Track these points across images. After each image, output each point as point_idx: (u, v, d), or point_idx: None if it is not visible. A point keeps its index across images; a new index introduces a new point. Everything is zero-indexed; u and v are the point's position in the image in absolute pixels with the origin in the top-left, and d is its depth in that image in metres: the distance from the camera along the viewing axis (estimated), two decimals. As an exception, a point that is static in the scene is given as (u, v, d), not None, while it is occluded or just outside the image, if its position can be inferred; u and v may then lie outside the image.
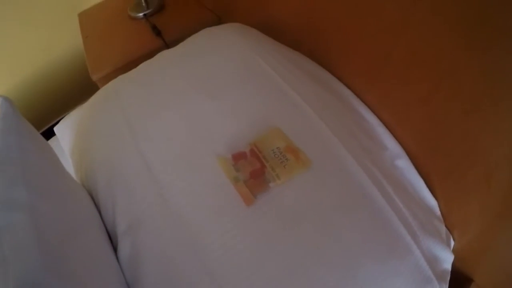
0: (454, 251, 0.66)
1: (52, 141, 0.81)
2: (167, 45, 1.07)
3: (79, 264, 0.47)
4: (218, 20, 1.19)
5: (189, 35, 0.92)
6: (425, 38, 0.57)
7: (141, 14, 1.20)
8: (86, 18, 1.24)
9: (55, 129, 0.88)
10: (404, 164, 0.68)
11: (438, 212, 0.68)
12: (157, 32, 1.12)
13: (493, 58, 0.49)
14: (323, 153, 0.63)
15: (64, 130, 0.85)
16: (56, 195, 0.54)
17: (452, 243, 0.67)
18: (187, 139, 0.65)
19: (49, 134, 1.02)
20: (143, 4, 1.21)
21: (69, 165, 0.77)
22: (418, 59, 0.59)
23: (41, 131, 1.15)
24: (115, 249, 0.61)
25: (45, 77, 1.23)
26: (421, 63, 0.59)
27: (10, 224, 0.43)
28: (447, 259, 0.62)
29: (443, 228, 0.66)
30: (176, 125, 0.67)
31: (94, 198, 0.68)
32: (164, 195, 0.59)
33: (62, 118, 0.88)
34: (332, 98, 0.74)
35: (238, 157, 0.60)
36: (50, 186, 0.54)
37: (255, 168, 0.58)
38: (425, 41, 0.57)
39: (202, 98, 0.70)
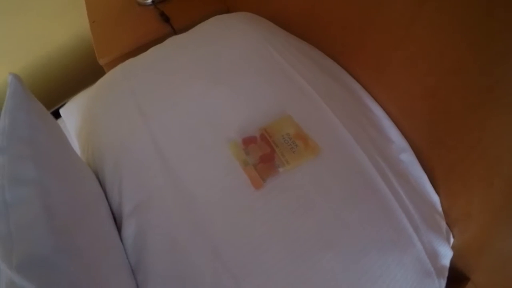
0: (452, 248, 0.67)
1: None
2: (175, 32, 1.07)
3: (85, 241, 0.47)
4: (227, 10, 1.19)
5: (197, 23, 0.92)
6: (432, 33, 0.57)
7: (149, 1, 1.20)
8: (93, 3, 1.24)
9: (61, 111, 0.88)
10: (409, 158, 0.69)
11: (440, 208, 0.69)
12: (165, 18, 1.11)
13: (497, 53, 0.49)
14: (332, 141, 0.64)
15: (70, 112, 0.85)
16: (64, 173, 0.54)
17: (452, 240, 0.68)
18: (198, 123, 0.65)
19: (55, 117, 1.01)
20: (152, -10, 1.21)
21: (75, 147, 0.77)
22: (424, 53, 0.60)
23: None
24: (119, 230, 0.61)
25: (50, 62, 1.22)
26: (427, 57, 0.60)
27: (18, 200, 0.43)
28: (446, 255, 0.63)
29: (443, 224, 0.67)
30: (187, 108, 0.68)
31: (100, 180, 0.68)
32: (174, 177, 0.60)
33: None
34: (341, 89, 0.75)
35: (248, 141, 0.60)
36: (58, 164, 0.54)
37: (265, 152, 0.59)
38: (431, 36, 0.57)
39: (213, 83, 0.71)
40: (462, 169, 0.62)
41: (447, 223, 0.68)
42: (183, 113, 0.67)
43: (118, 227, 0.61)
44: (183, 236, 0.55)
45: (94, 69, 1.09)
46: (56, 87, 1.21)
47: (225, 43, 0.81)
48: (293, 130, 0.62)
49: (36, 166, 0.48)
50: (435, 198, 0.68)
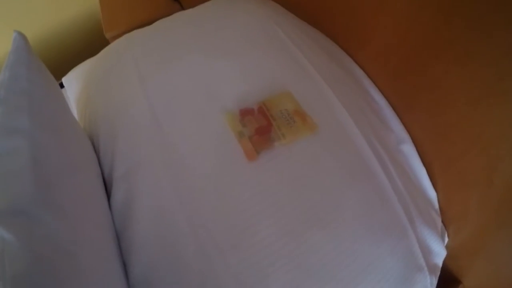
0: (447, 248, 0.65)
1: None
2: (184, 10, 1.06)
3: (70, 199, 0.46)
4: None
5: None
6: (438, 24, 0.56)
7: (160, -21, 1.19)
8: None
9: (63, 79, 0.87)
10: (409, 150, 0.68)
11: (437, 205, 0.67)
12: (175, -3, 1.11)
13: (507, 45, 0.48)
14: (331, 122, 0.63)
15: (72, 80, 0.84)
16: (58, 130, 0.54)
17: (446, 240, 0.67)
18: (197, 92, 0.65)
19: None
20: (164, -31, 1.20)
21: (75, 115, 0.77)
22: (430, 44, 0.59)
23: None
24: (109, 196, 0.60)
25: (58, 35, 1.23)
26: (433, 48, 0.59)
27: (6, 150, 0.43)
28: (440, 254, 0.62)
29: (439, 222, 0.66)
30: (187, 78, 0.67)
31: (95, 146, 0.67)
32: (167, 143, 0.59)
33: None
34: (345, 74, 0.74)
35: (245, 113, 0.59)
36: (53, 120, 0.53)
37: (261, 125, 0.58)
38: (438, 26, 0.56)
39: (216, 56, 0.70)
40: (461, 164, 0.61)
41: (443, 222, 0.67)
42: (182, 82, 0.66)
43: (109, 193, 0.60)
44: (170, 204, 0.54)
45: (102, 44, 1.09)
46: (62, 60, 1.21)
47: (231, 20, 0.80)
48: (292, 106, 0.61)
49: (30, 118, 0.47)
50: (432, 193, 0.67)
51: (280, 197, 0.54)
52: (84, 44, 1.26)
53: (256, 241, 0.51)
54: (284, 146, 0.57)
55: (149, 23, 1.01)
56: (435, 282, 0.60)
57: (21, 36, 0.58)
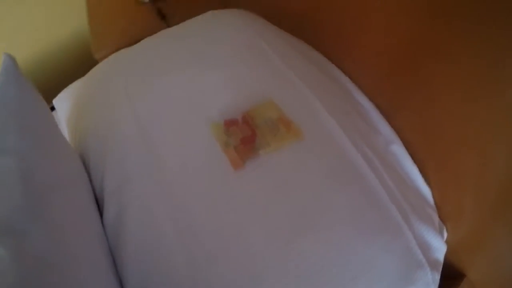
0: (447, 243, 0.65)
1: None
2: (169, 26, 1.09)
3: (60, 215, 0.47)
4: (224, 8, 1.20)
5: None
6: (430, 22, 0.57)
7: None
8: None
9: (54, 101, 0.88)
10: (398, 150, 0.68)
11: (432, 202, 0.67)
12: (161, 16, 1.13)
13: (498, 45, 0.49)
14: (316, 127, 0.63)
15: (62, 101, 0.86)
16: (48, 149, 0.54)
17: (445, 234, 0.67)
18: (182, 105, 0.66)
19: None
20: (151, -11, 1.23)
21: (66, 137, 0.77)
22: (421, 43, 0.59)
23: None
24: (101, 213, 0.60)
25: (47, 57, 1.24)
26: (424, 47, 0.59)
27: None
28: (440, 249, 0.61)
29: (436, 217, 0.66)
30: (173, 91, 0.68)
31: (85, 164, 0.68)
32: (155, 158, 0.60)
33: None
34: (329, 81, 0.75)
35: (230, 124, 0.60)
36: (43, 139, 0.54)
37: (246, 135, 0.59)
38: (429, 25, 0.57)
39: (201, 69, 0.71)
40: (454, 162, 0.61)
41: (440, 218, 0.67)
42: (168, 96, 0.67)
43: (101, 211, 0.61)
44: (159, 217, 0.54)
45: (92, 65, 1.11)
46: (52, 82, 1.22)
47: (216, 34, 0.82)
48: (276, 114, 0.62)
49: (19, 138, 0.48)
50: (426, 191, 0.67)
51: (268, 204, 0.54)
52: (73, 66, 1.27)
53: (246, 249, 0.51)
54: (270, 154, 0.58)
55: (137, 42, 1.03)
56: (437, 277, 0.59)
57: (10, 57, 0.59)
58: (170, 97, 0.67)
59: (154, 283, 0.51)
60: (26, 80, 0.60)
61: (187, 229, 0.52)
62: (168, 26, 1.10)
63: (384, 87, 0.71)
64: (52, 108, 0.90)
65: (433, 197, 0.67)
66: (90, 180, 0.65)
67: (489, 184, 0.56)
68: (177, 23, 1.09)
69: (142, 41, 0.87)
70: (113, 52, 1.06)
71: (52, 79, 1.22)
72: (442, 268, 0.62)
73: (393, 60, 0.65)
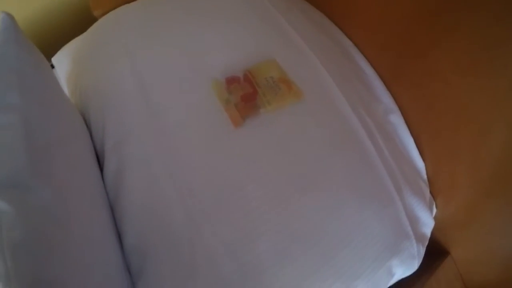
0: (435, 219, 0.66)
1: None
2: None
3: (62, 171, 0.47)
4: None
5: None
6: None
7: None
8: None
9: (53, 59, 0.87)
10: (397, 120, 0.69)
11: (425, 175, 0.68)
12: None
13: (491, 17, 0.48)
14: (317, 90, 0.63)
15: (62, 59, 0.84)
16: (49, 105, 0.54)
17: (435, 211, 0.68)
18: (184, 62, 0.65)
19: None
20: None
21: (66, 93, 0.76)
22: (417, 14, 0.59)
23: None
24: (102, 168, 0.61)
25: (46, 14, 1.21)
26: (420, 18, 0.59)
27: (0, 125, 0.44)
28: (427, 224, 0.63)
29: (427, 192, 0.67)
30: (174, 50, 0.67)
31: (86, 120, 0.68)
32: (155, 113, 0.60)
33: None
34: (333, 44, 0.74)
35: (231, 81, 0.60)
36: (44, 96, 0.54)
37: (246, 92, 0.59)
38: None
39: (202, 26, 0.70)
40: (448, 135, 0.62)
41: (431, 193, 0.68)
42: (169, 54, 0.66)
43: (102, 166, 0.61)
44: (158, 172, 0.55)
45: (90, 22, 1.08)
46: (51, 41, 1.19)
47: None
48: (277, 74, 0.61)
49: (21, 94, 0.48)
50: (420, 164, 0.68)
51: (266, 163, 0.55)
52: (72, 23, 1.24)
53: (243, 205, 0.52)
54: (270, 113, 0.58)
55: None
56: (422, 251, 0.61)
57: (9, 16, 0.58)
58: (171, 54, 0.66)
59: (151, 238, 0.52)
60: (25, 38, 0.59)
61: (185, 185, 0.53)
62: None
63: (386, 54, 0.70)
64: (52, 67, 0.89)
65: (426, 170, 0.68)
66: (91, 136, 0.65)
67: (484, 159, 0.56)
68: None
69: (142, -1, 0.84)
70: (112, 9, 1.03)
71: (51, 36, 1.20)
72: (428, 245, 0.63)
73: (395, 28, 0.64)
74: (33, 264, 0.35)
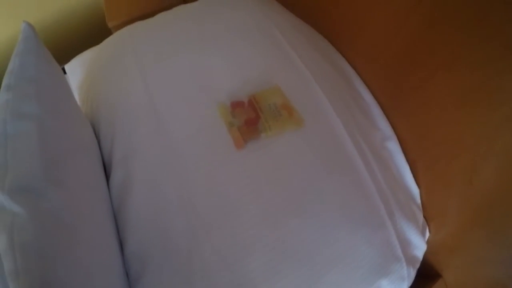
0: (428, 243, 0.68)
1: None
2: (185, 2, 1.09)
3: (73, 178, 0.50)
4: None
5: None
6: (427, 27, 0.58)
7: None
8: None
9: (66, 67, 0.90)
10: (393, 147, 0.71)
11: (419, 201, 0.70)
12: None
13: (493, 50, 0.50)
14: (316, 117, 0.66)
15: (75, 68, 0.88)
16: (63, 115, 0.57)
17: (427, 234, 0.69)
18: (192, 83, 0.68)
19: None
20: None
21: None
22: (418, 47, 0.61)
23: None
24: (108, 178, 0.64)
25: (61, 22, 1.25)
26: (420, 51, 0.61)
27: (17, 133, 0.47)
28: (419, 247, 0.65)
29: (421, 217, 0.69)
30: (184, 70, 0.71)
31: (96, 132, 0.71)
32: (163, 130, 0.63)
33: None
34: (335, 72, 0.76)
35: (236, 105, 0.63)
36: (59, 106, 0.57)
37: (250, 117, 0.62)
38: (426, 30, 0.58)
39: (212, 50, 0.74)
40: (443, 164, 0.63)
41: (425, 217, 0.70)
42: (179, 74, 0.70)
43: (108, 176, 0.64)
44: (163, 185, 0.58)
45: (103, 32, 1.12)
46: (64, 47, 1.23)
47: (230, 15, 0.83)
48: (280, 100, 0.64)
49: (39, 104, 0.51)
50: (415, 190, 0.70)
51: (264, 184, 0.58)
52: (86, 33, 1.28)
53: (240, 223, 0.55)
54: (270, 138, 0.61)
55: (151, 14, 1.03)
56: (413, 273, 0.63)
57: (30, 26, 0.61)
58: (181, 75, 0.70)
59: (152, 246, 0.55)
60: (45, 48, 0.63)
61: (188, 200, 0.56)
62: (185, 1, 1.11)
63: (385, 83, 0.73)
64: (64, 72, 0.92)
65: (421, 196, 0.70)
66: (100, 146, 0.68)
67: (475, 191, 0.58)
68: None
69: (157, 16, 0.88)
70: (126, 22, 1.07)
71: (66, 45, 1.24)
72: (421, 267, 0.65)
73: (394, 59, 0.66)
74: (41, 264, 0.37)
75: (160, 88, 0.68)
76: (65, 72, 0.92)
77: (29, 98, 0.51)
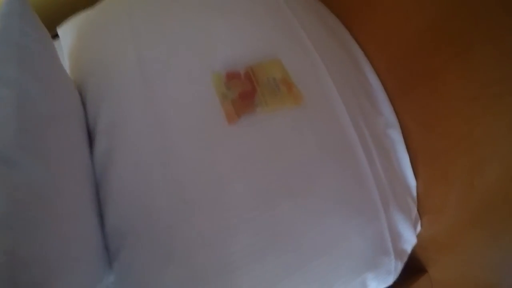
0: (418, 237, 0.67)
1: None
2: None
3: (52, 148, 0.47)
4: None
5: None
6: (444, 15, 0.55)
7: None
8: None
9: (58, 29, 0.85)
10: (395, 136, 0.68)
11: (415, 194, 0.68)
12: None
13: (508, 50, 0.47)
14: (318, 96, 0.62)
15: (67, 31, 0.82)
16: (46, 81, 0.54)
17: (419, 228, 0.68)
18: (187, 50, 0.64)
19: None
20: None
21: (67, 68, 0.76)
22: (433, 34, 0.58)
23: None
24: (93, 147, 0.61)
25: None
26: (435, 38, 0.57)
27: None
28: (409, 241, 0.63)
29: (414, 210, 0.67)
30: (179, 36, 0.66)
31: (82, 96, 0.67)
32: (151, 99, 0.59)
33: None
34: (342, 51, 0.72)
35: (231, 76, 0.59)
36: (42, 71, 0.54)
37: (245, 89, 0.58)
38: (443, 18, 0.55)
39: (212, 15, 0.68)
40: (445, 160, 0.61)
41: (418, 211, 0.68)
42: (174, 41, 0.65)
43: (93, 145, 0.61)
44: (148, 158, 0.55)
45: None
46: (58, 10, 1.17)
47: None
48: (280, 75, 0.60)
49: (19, 69, 0.48)
50: (412, 182, 0.67)
51: (255, 162, 0.54)
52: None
53: (226, 202, 0.52)
54: (266, 113, 0.57)
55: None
56: (400, 266, 0.62)
57: None
58: (176, 42, 0.65)
59: (133, 220, 0.52)
60: (31, 11, 0.59)
61: (173, 175, 0.53)
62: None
63: (394, 68, 0.69)
64: (57, 35, 0.88)
65: (417, 189, 0.68)
66: (86, 113, 0.65)
67: (476, 189, 0.56)
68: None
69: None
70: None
71: (59, 7, 1.18)
72: (407, 259, 0.64)
73: (408, 43, 0.63)
74: (13, 239, 0.35)
75: (152, 54, 0.64)
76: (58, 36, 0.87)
77: (9, 62, 0.48)
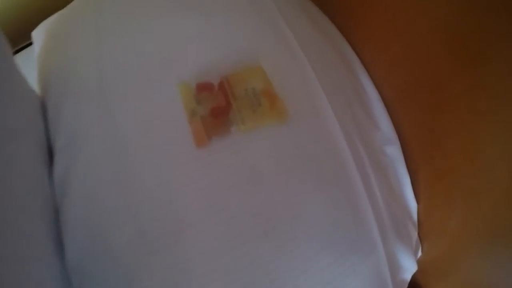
0: (418, 262, 0.61)
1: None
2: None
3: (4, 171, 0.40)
4: None
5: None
6: (452, 18, 0.48)
7: None
8: None
9: (33, 33, 0.76)
10: (394, 153, 0.60)
11: (415, 217, 0.61)
12: None
13: None
14: (305, 109, 0.53)
15: (39, 35, 0.74)
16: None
17: (419, 254, 0.62)
18: (154, 56, 0.55)
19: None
20: None
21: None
22: (438, 38, 0.51)
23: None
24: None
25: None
26: (441, 43, 0.50)
27: None
28: (410, 269, 0.57)
29: (415, 236, 0.60)
30: (147, 40, 0.57)
31: (46, 108, 0.59)
32: (109, 116, 0.50)
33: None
34: (335, 57, 0.64)
35: (202, 88, 0.49)
36: None
37: (219, 104, 0.48)
38: (451, 20, 0.48)
39: (185, 16, 0.59)
40: (450, 180, 0.54)
41: (419, 235, 0.62)
42: (140, 44, 0.56)
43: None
44: (107, 187, 0.47)
45: None
46: (34, 16, 1.09)
47: None
48: (261, 85, 0.51)
49: None
50: (413, 204, 0.60)
51: (229, 196, 0.46)
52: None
53: (193, 245, 0.43)
54: (242, 134, 0.48)
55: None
56: None
57: None
58: (142, 45, 0.56)
59: (91, 258, 0.45)
60: None
61: (135, 209, 0.45)
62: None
63: (395, 72, 0.62)
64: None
65: (418, 213, 0.61)
66: (47, 128, 0.57)
67: (482, 216, 0.50)
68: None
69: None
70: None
71: (36, 10, 1.09)
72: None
73: (411, 48, 0.56)
74: None
75: (114, 63, 0.55)
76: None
77: None
